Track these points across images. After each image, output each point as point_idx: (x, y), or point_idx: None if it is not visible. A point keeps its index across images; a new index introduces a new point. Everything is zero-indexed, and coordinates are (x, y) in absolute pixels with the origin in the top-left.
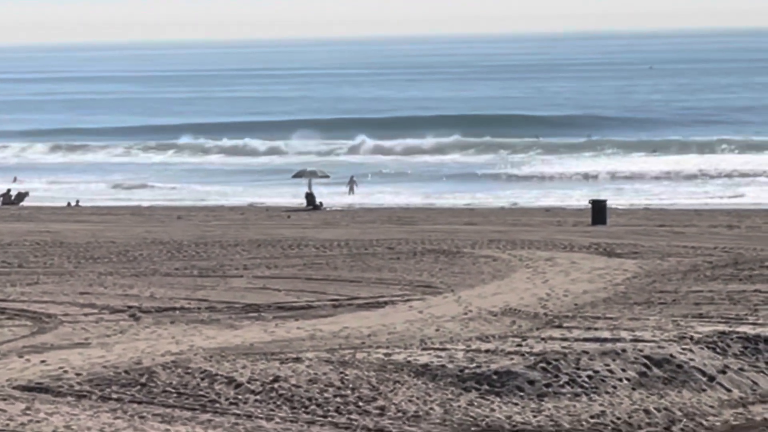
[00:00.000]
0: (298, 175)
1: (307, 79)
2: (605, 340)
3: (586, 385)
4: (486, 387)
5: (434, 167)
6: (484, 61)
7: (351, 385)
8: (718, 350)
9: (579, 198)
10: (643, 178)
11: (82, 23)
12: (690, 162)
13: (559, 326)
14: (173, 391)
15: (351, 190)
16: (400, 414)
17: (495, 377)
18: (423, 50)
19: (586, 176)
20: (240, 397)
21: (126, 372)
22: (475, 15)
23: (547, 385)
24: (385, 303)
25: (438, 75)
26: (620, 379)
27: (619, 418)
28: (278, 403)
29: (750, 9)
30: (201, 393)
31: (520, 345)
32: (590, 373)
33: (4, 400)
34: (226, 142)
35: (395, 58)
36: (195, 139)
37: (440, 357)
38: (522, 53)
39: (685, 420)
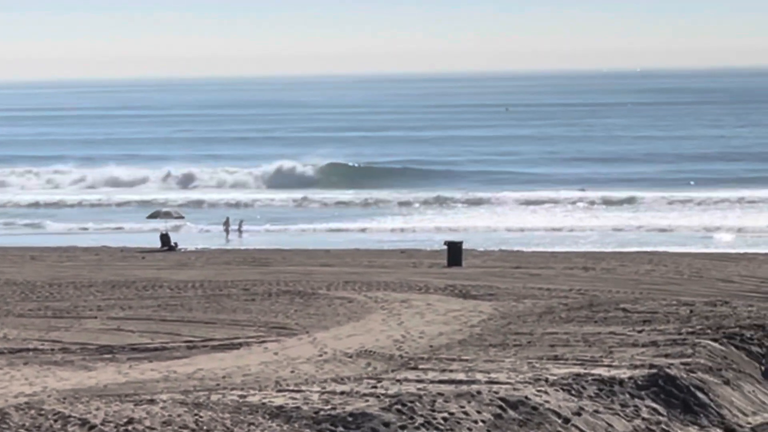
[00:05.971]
0: (153, 215)
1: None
2: (460, 382)
3: (441, 427)
4: (341, 429)
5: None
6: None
7: (205, 427)
8: (573, 392)
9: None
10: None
11: None
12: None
13: (415, 368)
14: None
15: (237, 232)
16: None
17: (350, 419)
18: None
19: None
20: None
21: None
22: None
23: (403, 427)
24: (240, 344)
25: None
26: (475, 421)
27: None
28: None
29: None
30: None
31: (375, 387)
32: (445, 415)
33: None
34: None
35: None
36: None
37: (295, 399)
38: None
39: None
